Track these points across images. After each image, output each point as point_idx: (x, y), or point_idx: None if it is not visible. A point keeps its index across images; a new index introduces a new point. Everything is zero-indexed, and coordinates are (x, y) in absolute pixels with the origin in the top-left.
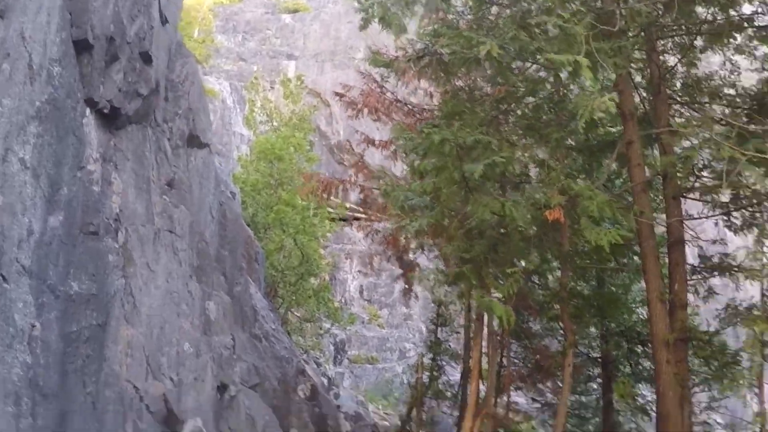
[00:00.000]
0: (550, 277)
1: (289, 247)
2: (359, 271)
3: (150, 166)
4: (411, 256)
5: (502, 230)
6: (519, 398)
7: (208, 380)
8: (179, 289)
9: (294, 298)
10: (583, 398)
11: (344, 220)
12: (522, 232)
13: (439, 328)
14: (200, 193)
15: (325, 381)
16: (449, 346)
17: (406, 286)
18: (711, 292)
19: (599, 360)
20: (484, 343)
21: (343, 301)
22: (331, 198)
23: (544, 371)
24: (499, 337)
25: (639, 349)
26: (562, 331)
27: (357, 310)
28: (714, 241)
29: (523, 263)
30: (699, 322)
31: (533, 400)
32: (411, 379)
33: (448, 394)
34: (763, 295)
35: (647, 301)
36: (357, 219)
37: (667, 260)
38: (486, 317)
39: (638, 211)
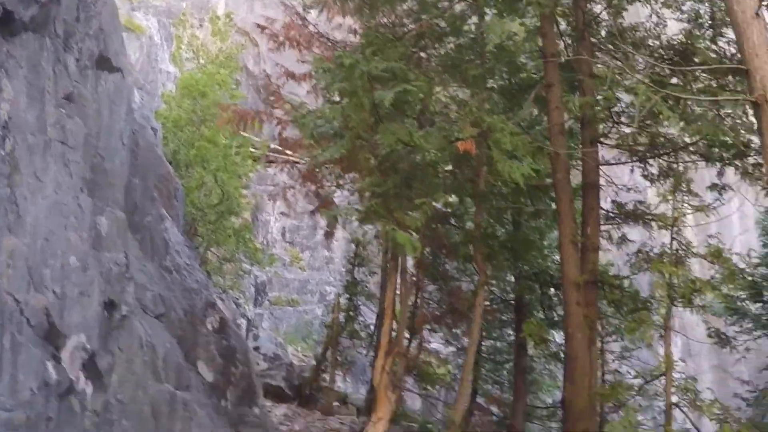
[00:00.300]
0: (467, 220)
1: (210, 185)
2: (282, 213)
3: (46, 77)
4: (330, 194)
5: (416, 164)
6: (436, 344)
7: (95, 296)
8: (68, 202)
9: (214, 236)
10: (498, 344)
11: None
12: (435, 167)
13: (357, 269)
14: (110, 119)
15: (245, 322)
16: (366, 287)
17: (328, 228)
18: (625, 238)
19: (513, 304)
20: (398, 284)
21: (265, 242)
22: (250, 136)
23: (457, 313)
24: (414, 278)
25: (552, 293)
26: (476, 274)
27: (279, 252)
28: (629, 189)
29: (439, 204)
30: (614, 271)
31: (448, 342)
32: (329, 320)
33: (364, 334)
34: (672, 239)
35: (559, 243)
36: (276, 158)
37: (581, 204)
38: (401, 258)
39: (553, 152)
